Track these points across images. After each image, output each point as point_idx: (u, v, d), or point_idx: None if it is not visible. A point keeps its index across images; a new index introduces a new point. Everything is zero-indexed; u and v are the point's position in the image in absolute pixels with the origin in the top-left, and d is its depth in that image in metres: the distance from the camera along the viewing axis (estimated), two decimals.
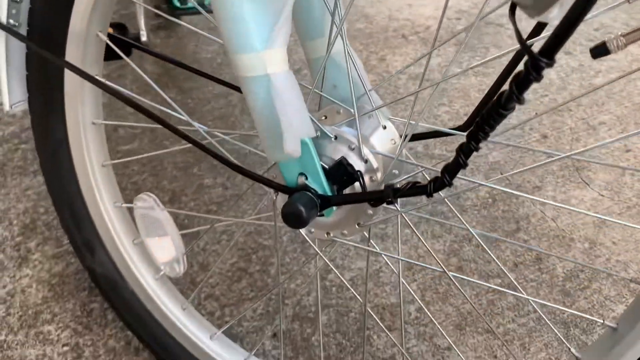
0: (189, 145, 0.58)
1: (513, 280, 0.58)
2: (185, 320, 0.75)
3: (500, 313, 0.93)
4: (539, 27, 0.52)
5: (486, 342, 0.89)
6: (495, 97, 0.42)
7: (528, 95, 1.40)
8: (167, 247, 0.71)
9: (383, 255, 0.61)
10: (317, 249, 0.63)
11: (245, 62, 0.48)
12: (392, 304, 0.95)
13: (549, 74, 1.48)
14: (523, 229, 1.07)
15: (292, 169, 0.53)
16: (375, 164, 0.56)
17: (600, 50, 0.48)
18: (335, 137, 0.55)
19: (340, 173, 0.54)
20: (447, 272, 0.58)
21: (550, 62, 0.36)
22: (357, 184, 0.55)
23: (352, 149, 0.55)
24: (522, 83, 0.38)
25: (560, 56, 1.54)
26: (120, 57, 0.66)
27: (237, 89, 0.59)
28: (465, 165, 0.47)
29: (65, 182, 0.70)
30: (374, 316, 0.69)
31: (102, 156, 0.70)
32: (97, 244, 0.72)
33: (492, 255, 0.67)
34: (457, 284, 0.59)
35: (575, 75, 1.50)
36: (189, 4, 1.52)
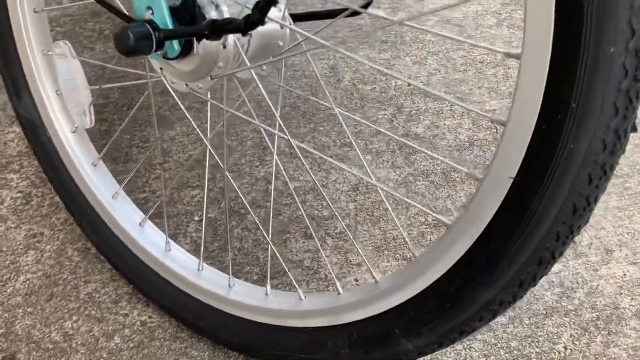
0: None
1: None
2: (93, 175, 0.79)
3: (426, 246, 0.89)
4: None
5: (398, 268, 0.85)
6: None
7: None
8: (77, 98, 0.74)
9: (233, 112, 0.60)
10: (175, 97, 0.63)
11: None
12: (324, 216, 0.94)
13: None
14: None
15: (141, 1, 0.54)
16: (225, 13, 0.55)
17: None
18: None
19: (186, 13, 0.54)
20: (260, 124, 0.56)
21: None
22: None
23: None
24: None
25: None
26: None
27: None
28: (274, 1, 0.46)
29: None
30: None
31: (34, 2, 0.74)
32: (23, 87, 0.77)
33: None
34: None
35: None
36: None
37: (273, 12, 0.59)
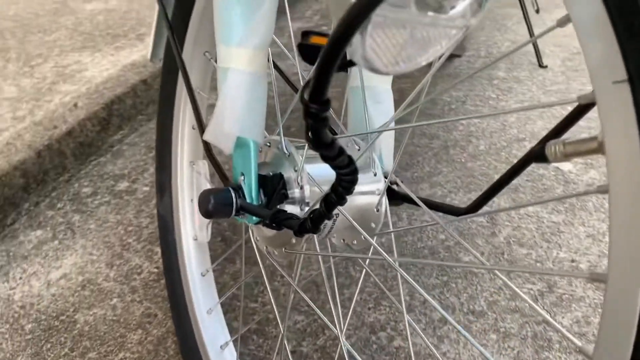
0: None
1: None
2: (198, 284, 0.82)
3: None
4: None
5: None
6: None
7: None
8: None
9: (301, 293, 0.57)
10: (258, 257, 0.63)
11: (221, 53, 0.53)
12: None
13: None
14: None
15: (237, 166, 0.56)
16: (307, 195, 0.53)
17: (539, 158, 0.38)
18: (289, 155, 0.55)
19: (272, 186, 0.54)
20: (321, 316, 0.51)
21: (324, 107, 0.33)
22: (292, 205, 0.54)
23: (296, 171, 0.54)
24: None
25: None
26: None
27: None
28: (327, 216, 0.44)
29: (164, 132, 0.84)
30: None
31: (193, 120, 0.82)
32: (167, 188, 0.85)
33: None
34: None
35: None
36: None
37: (369, 185, 0.57)
